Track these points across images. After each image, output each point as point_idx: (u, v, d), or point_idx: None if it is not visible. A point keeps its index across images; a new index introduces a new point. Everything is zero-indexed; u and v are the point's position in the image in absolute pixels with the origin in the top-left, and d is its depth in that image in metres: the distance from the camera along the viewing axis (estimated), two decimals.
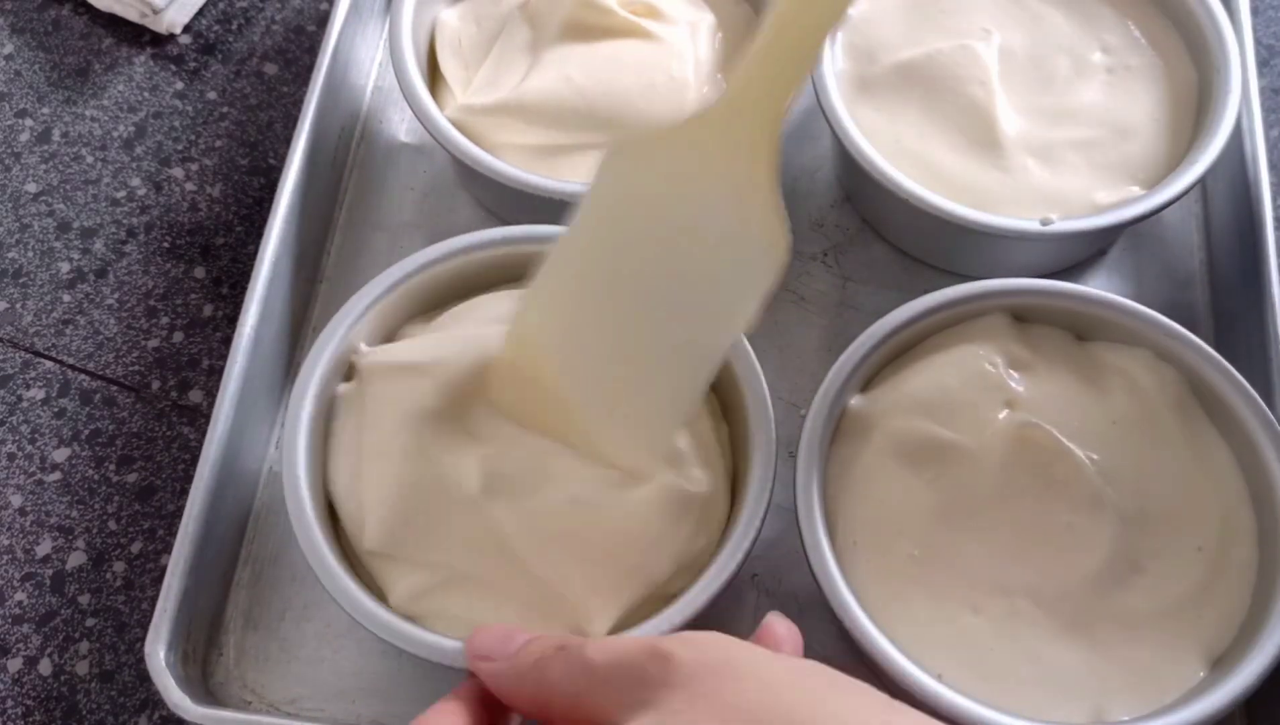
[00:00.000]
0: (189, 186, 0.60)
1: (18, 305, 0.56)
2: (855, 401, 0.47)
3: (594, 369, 0.41)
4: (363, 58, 0.60)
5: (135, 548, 0.51)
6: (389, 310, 0.48)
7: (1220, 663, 0.42)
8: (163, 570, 0.47)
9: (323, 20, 0.64)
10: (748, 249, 0.38)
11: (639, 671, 0.31)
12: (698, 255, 0.39)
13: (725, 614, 0.47)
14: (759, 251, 0.38)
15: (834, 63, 0.54)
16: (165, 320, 0.56)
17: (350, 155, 0.59)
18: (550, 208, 0.48)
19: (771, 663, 0.31)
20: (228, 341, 0.52)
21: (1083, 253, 0.55)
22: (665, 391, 0.41)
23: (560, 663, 0.33)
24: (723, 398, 0.47)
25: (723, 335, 0.41)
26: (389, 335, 0.48)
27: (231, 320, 0.55)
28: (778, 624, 0.37)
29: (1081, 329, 0.48)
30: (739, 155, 0.38)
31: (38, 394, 0.54)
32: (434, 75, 0.56)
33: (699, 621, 0.41)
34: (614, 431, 0.42)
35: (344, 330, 0.46)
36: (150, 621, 0.44)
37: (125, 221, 0.59)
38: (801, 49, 0.37)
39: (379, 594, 0.43)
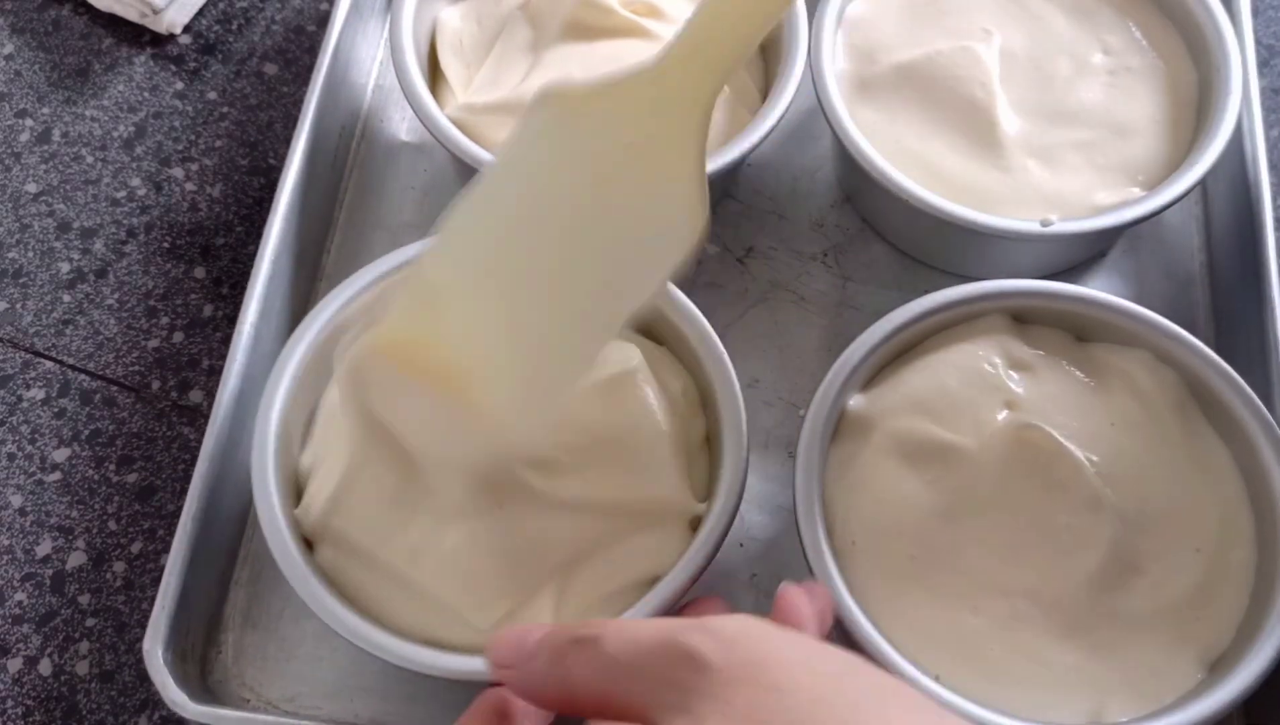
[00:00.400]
0: (189, 186, 0.60)
1: (18, 305, 0.57)
2: (855, 402, 0.47)
3: (494, 324, 0.40)
4: (363, 57, 0.60)
5: (135, 548, 0.51)
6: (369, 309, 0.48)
7: (1218, 664, 0.42)
8: (163, 570, 0.47)
9: (323, 20, 0.64)
10: (665, 217, 0.37)
11: (666, 669, 0.29)
12: (614, 218, 0.38)
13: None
14: (676, 221, 0.37)
15: (834, 63, 0.54)
16: (165, 320, 0.56)
17: (350, 155, 0.59)
18: None
19: (809, 664, 0.29)
20: (228, 341, 0.52)
21: (1083, 254, 0.55)
22: (562, 355, 0.40)
23: (579, 659, 0.32)
24: (700, 390, 0.48)
25: (628, 301, 0.39)
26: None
27: (231, 320, 0.55)
28: (794, 597, 0.35)
29: (1081, 330, 0.48)
30: (670, 120, 0.37)
31: (38, 394, 0.54)
32: (435, 74, 0.56)
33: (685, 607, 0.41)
34: (505, 393, 0.40)
35: (317, 328, 0.46)
36: (150, 621, 0.44)
37: (125, 221, 0.59)
38: (750, 21, 0.36)
39: None
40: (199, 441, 0.52)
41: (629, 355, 0.45)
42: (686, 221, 0.37)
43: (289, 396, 0.45)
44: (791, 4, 0.37)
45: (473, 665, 0.41)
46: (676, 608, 0.42)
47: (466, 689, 0.47)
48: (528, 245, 0.39)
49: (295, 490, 0.46)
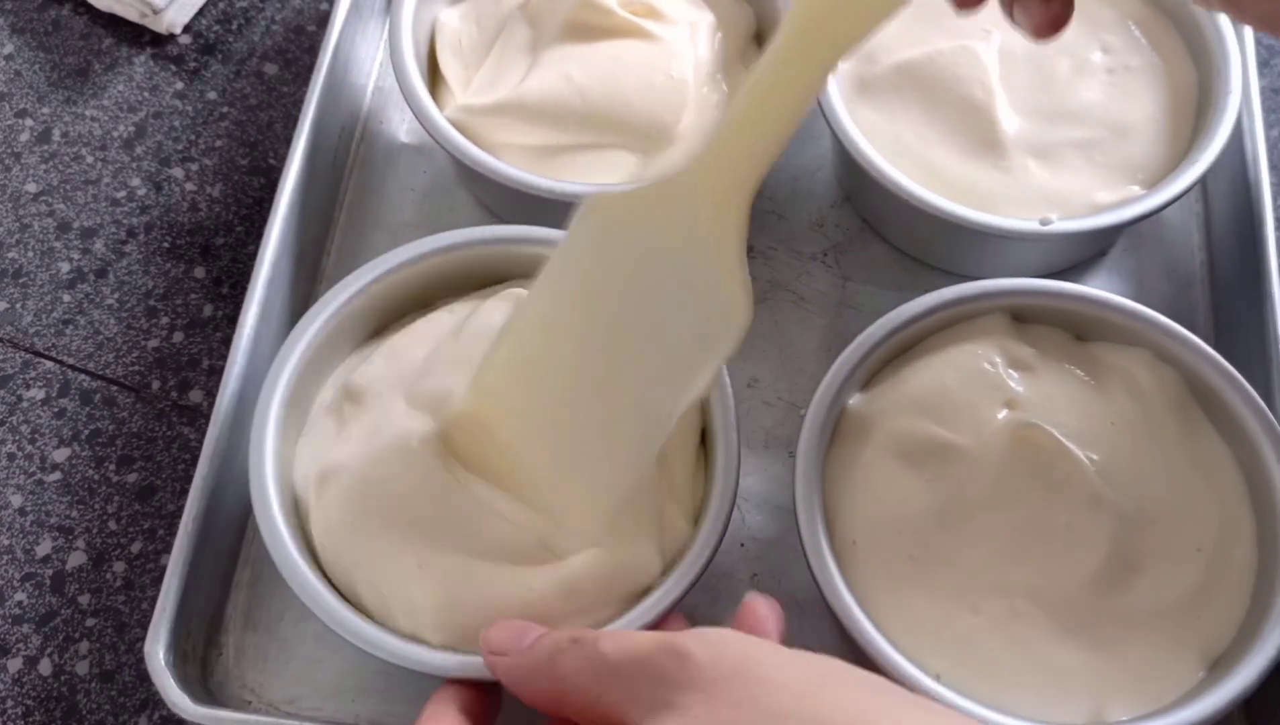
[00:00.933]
0: (189, 186, 0.60)
1: (18, 305, 0.57)
2: (855, 401, 0.47)
3: (549, 426, 0.41)
4: (363, 58, 0.60)
5: (135, 548, 0.51)
6: (356, 316, 0.48)
7: (1219, 663, 0.42)
8: (163, 570, 0.47)
9: (323, 20, 0.64)
10: (709, 314, 0.39)
11: (656, 669, 0.31)
12: (660, 318, 0.39)
13: (725, 615, 0.47)
14: (720, 317, 0.38)
15: None
16: (165, 320, 0.56)
17: (350, 155, 0.59)
18: (550, 208, 0.48)
19: (790, 663, 0.31)
20: (228, 341, 0.52)
21: (1083, 253, 0.55)
22: (616, 455, 0.41)
23: (574, 657, 0.33)
24: None
25: (678, 400, 0.40)
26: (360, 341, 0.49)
27: (231, 320, 0.55)
28: (758, 604, 0.36)
29: (1081, 329, 0.48)
30: (707, 219, 0.38)
31: (38, 394, 0.54)
32: (434, 75, 0.56)
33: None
34: (562, 490, 0.41)
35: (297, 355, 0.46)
36: (150, 621, 0.44)
37: (125, 221, 0.59)
38: (779, 118, 0.37)
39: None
40: (199, 441, 0.52)
41: None
42: (731, 313, 0.38)
43: (286, 399, 0.45)
44: (815, 99, 0.38)
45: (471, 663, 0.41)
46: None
47: None
48: (579, 351, 0.41)
49: (292, 494, 0.46)
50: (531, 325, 0.41)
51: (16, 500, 0.52)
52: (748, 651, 0.31)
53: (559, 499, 0.42)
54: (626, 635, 0.33)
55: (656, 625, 0.41)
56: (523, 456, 0.42)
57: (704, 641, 0.31)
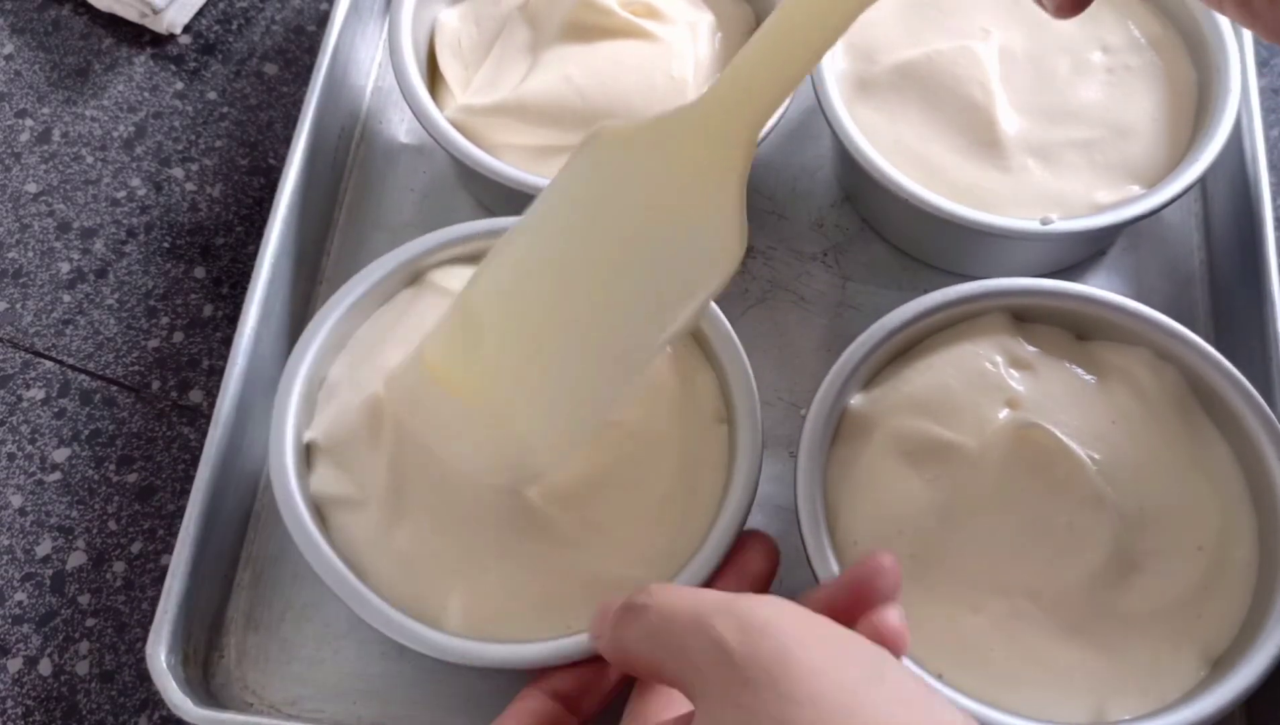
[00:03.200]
0: (189, 186, 0.60)
1: (18, 305, 0.56)
2: (856, 401, 0.47)
3: (529, 349, 0.41)
4: (363, 58, 0.60)
5: (135, 548, 0.51)
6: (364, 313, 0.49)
7: (1220, 662, 0.42)
8: (163, 570, 0.47)
9: (323, 20, 0.64)
10: (701, 250, 0.39)
11: (694, 656, 0.30)
12: (652, 250, 0.40)
13: None
14: (711, 254, 0.39)
15: (834, 63, 0.54)
16: (165, 320, 0.56)
17: (350, 155, 0.59)
18: None
19: (831, 672, 0.29)
20: (228, 341, 0.52)
21: (1083, 252, 0.55)
22: (595, 381, 0.41)
23: (631, 627, 0.33)
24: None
25: (661, 332, 0.40)
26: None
27: (231, 320, 0.55)
28: (883, 560, 0.35)
29: (1081, 328, 0.48)
30: (712, 155, 0.38)
31: (38, 394, 0.54)
32: (434, 75, 0.56)
33: None
34: (537, 416, 0.41)
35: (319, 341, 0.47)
36: (150, 622, 0.44)
37: (125, 221, 0.59)
38: (794, 60, 0.38)
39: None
40: (199, 441, 0.52)
41: None
42: (723, 252, 0.39)
43: (310, 377, 0.46)
44: (832, 46, 0.39)
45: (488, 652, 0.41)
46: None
47: (468, 692, 0.47)
48: (567, 275, 0.41)
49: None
50: (521, 248, 0.41)
51: (16, 500, 0.52)
52: (783, 649, 0.29)
53: (531, 423, 0.41)
54: (672, 601, 0.32)
55: (725, 563, 0.42)
56: (500, 380, 0.42)
57: (745, 627, 0.30)
